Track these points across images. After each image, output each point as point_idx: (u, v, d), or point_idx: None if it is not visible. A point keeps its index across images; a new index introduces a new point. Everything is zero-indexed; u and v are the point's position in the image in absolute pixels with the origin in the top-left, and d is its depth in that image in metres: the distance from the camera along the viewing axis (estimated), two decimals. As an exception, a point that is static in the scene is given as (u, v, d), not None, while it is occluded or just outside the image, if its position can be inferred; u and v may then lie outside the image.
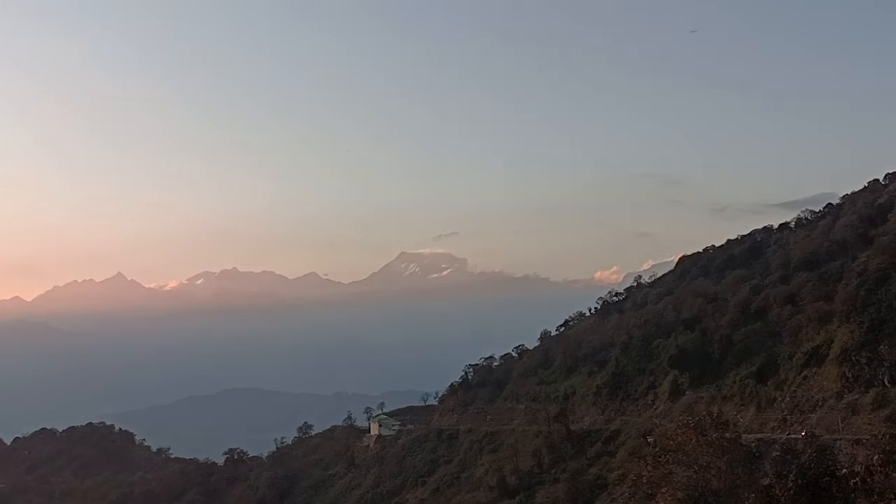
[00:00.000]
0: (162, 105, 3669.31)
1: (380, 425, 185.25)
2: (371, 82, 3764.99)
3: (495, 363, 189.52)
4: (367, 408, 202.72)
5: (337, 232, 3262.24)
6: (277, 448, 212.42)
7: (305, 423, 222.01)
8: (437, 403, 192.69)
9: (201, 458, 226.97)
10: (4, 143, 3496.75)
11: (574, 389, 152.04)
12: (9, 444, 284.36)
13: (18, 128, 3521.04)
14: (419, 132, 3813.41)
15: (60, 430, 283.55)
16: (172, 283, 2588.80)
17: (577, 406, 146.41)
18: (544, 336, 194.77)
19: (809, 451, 75.62)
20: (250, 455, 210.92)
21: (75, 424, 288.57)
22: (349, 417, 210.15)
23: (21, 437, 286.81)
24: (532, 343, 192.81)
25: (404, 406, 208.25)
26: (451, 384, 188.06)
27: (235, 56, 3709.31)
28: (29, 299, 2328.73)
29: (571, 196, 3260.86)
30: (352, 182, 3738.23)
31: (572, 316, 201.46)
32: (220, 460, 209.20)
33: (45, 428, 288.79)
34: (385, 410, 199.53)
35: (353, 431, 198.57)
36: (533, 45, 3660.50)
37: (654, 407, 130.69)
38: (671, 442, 64.04)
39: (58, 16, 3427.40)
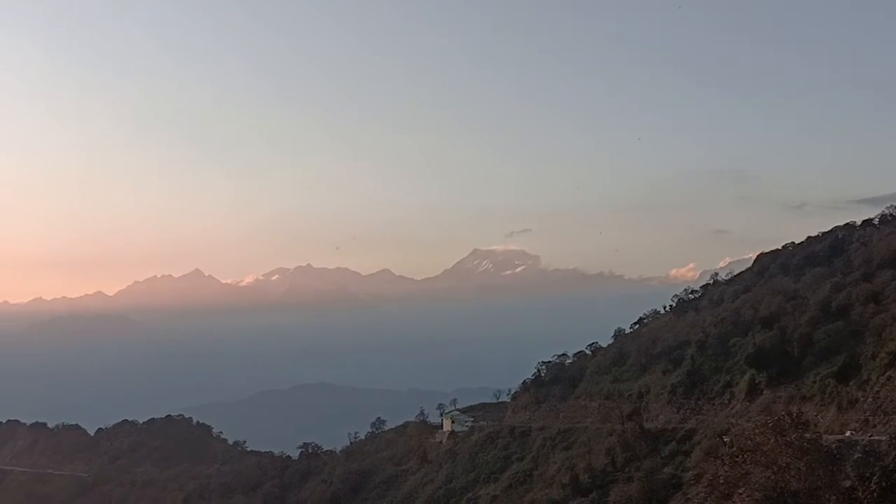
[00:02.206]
0: (243, 104, 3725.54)
1: (452, 422, 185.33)
2: (450, 82, 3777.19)
3: (568, 361, 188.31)
4: (440, 404, 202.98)
5: (410, 229, 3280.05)
6: (351, 443, 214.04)
7: (378, 418, 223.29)
8: (509, 400, 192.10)
9: (276, 451, 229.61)
10: (88, 141, 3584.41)
11: (648, 388, 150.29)
12: (92, 434, 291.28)
13: (102, 126, 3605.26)
14: (492, 130, 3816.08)
15: (141, 422, 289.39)
16: (248, 279, 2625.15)
17: (651, 404, 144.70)
18: (618, 334, 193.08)
19: (894, 453, 73.83)
20: (324, 449, 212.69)
21: (155, 416, 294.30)
22: (422, 413, 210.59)
23: (103, 428, 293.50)
24: (605, 341, 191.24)
25: (477, 403, 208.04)
26: (524, 381, 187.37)
27: (320, 56, 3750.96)
28: (110, 294, 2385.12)
29: (645, 193, 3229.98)
30: (425, 180, 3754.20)
31: (647, 313, 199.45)
32: (295, 454, 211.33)
33: (126, 420, 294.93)
34: (457, 407, 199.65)
35: (425, 427, 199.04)
36: (608, 43, 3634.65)
37: (731, 406, 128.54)
38: (749, 442, 62.99)
39: (149, 12, 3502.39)
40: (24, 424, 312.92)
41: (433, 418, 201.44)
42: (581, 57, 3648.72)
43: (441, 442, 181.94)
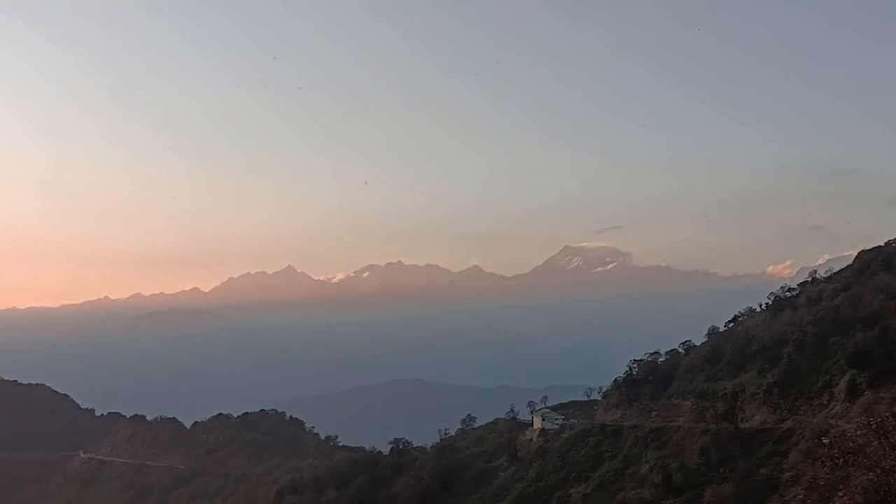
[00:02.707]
0: (336, 102, 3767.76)
1: (543, 419, 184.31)
2: (530, 79, 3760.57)
3: (661, 359, 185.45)
4: (530, 401, 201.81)
5: (501, 226, 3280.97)
6: (441, 439, 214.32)
7: (469, 415, 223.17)
8: (600, 398, 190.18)
9: (367, 446, 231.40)
10: (186, 143, 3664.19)
11: (743, 387, 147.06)
12: (188, 427, 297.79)
13: (199, 128, 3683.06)
14: (581, 126, 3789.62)
15: (235, 416, 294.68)
16: (340, 276, 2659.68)
17: (747, 404, 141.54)
18: (712, 332, 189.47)
19: None
20: (414, 445, 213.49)
21: (248, 411, 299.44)
22: (512, 411, 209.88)
23: (199, 421, 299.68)
24: (699, 339, 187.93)
25: (567, 401, 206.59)
26: (615, 379, 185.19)
27: (419, 54, 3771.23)
28: (206, 290, 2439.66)
29: (739, 188, 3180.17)
30: (515, 176, 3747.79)
31: (742, 311, 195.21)
32: (386, 449, 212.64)
33: (220, 413, 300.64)
34: (548, 404, 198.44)
35: (515, 425, 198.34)
36: (703, 39, 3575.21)
37: (830, 407, 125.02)
38: (850, 444, 61.11)
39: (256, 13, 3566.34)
40: (124, 416, 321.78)
41: (523, 416, 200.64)
42: (675, 51, 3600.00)
43: (531, 439, 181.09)
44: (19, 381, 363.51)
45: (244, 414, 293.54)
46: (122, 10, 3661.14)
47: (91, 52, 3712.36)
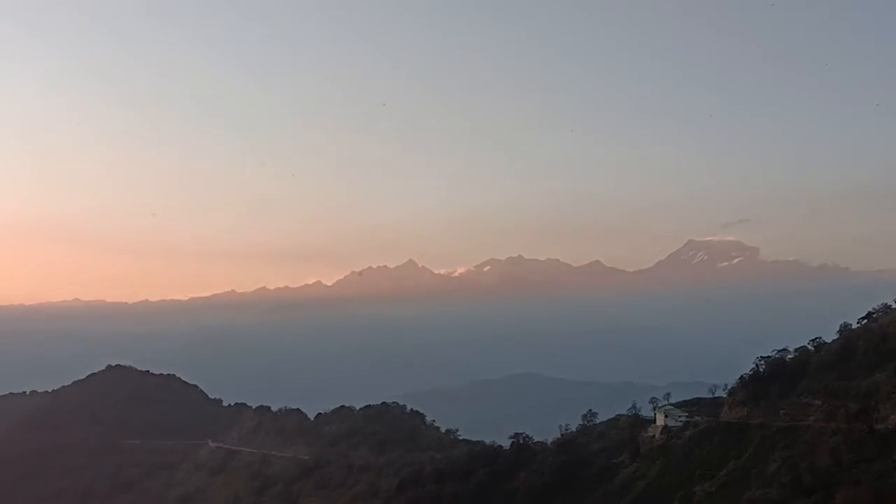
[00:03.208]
0: (455, 98, 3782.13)
1: (665, 416, 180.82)
2: (651, 73, 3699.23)
3: (789, 356, 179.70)
4: (653, 398, 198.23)
5: (623, 220, 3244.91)
6: (562, 434, 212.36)
7: (590, 410, 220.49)
8: (725, 396, 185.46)
9: (487, 440, 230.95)
10: (309, 140, 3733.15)
11: (877, 386, 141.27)
12: (312, 418, 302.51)
13: (326, 125, 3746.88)
14: (706, 118, 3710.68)
15: (357, 408, 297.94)
16: (460, 270, 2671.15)
17: (882, 404, 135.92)
18: (844, 328, 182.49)
19: None
20: (535, 440, 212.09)
21: (370, 403, 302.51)
22: (634, 407, 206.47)
23: (322, 412, 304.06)
24: (829, 336, 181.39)
25: (691, 398, 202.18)
26: (741, 377, 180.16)
27: (524, 54, 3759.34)
28: (329, 284, 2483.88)
29: (873, 180, 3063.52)
30: (638, 170, 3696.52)
31: (877, 307, 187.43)
32: (506, 444, 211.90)
33: (343, 405, 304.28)
34: (671, 401, 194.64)
35: (637, 421, 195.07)
36: (824, 24, 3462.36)
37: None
38: None
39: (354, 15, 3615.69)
40: (250, 407, 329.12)
41: (645, 412, 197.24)
42: (804, 39, 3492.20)
43: (654, 436, 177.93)
44: (151, 371, 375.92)
45: (366, 406, 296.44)
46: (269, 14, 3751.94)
47: (238, 51, 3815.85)
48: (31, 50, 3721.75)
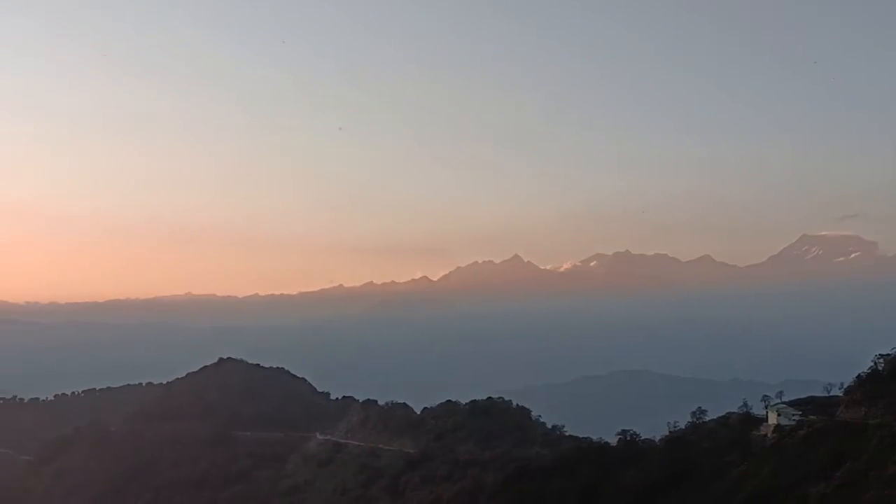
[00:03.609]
0: (561, 94, 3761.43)
1: (778, 414, 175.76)
2: (758, 62, 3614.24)
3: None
4: (765, 395, 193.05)
5: (733, 214, 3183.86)
6: (670, 431, 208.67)
7: (699, 407, 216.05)
8: (841, 395, 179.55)
9: (594, 437, 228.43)
10: (415, 134, 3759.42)
11: None
12: (418, 413, 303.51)
13: (430, 119, 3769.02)
14: (819, 109, 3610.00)
15: (463, 403, 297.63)
16: (566, 265, 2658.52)
17: None
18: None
19: None
20: (642, 437, 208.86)
21: (476, 398, 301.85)
22: (745, 405, 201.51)
23: (428, 407, 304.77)
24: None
25: (805, 396, 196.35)
26: (859, 375, 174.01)
27: (622, 48, 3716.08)
28: (435, 279, 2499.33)
29: None
30: (749, 163, 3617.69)
31: None
32: (613, 440, 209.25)
33: (449, 400, 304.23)
34: (784, 399, 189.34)
35: (749, 420, 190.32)
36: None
37: None
38: None
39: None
40: (357, 401, 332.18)
41: (757, 410, 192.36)
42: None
43: (766, 435, 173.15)
44: (261, 364, 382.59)
45: (472, 401, 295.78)
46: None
47: (340, 50, 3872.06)
48: (146, 54, 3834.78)
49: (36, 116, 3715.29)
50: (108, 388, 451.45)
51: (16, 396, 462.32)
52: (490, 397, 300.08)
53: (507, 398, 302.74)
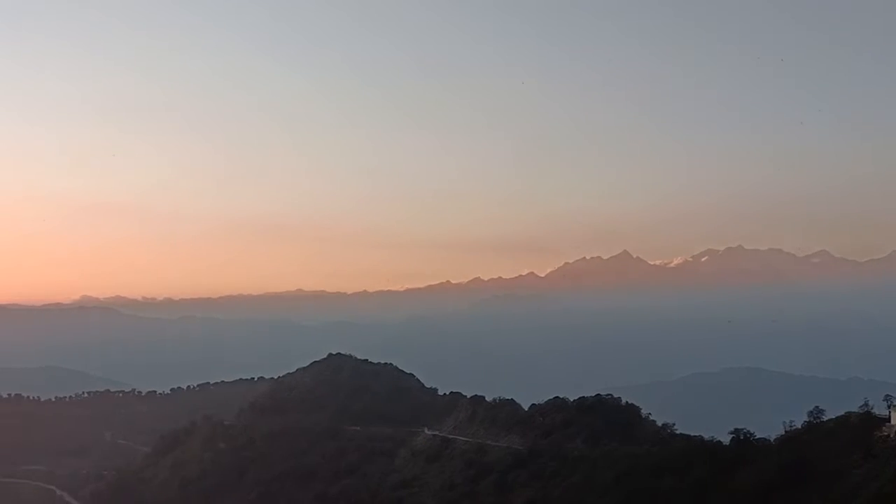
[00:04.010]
0: (668, 89, 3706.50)
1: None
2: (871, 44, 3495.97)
3: None
4: (887, 395, 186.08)
5: (852, 207, 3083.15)
6: (786, 431, 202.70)
7: (816, 407, 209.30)
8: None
9: (705, 435, 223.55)
10: (519, 131, 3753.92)
11: None
12: (525, 409, 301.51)
13: (537, 113, 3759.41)
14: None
15: (571, 400, 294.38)
16: (677, 261, 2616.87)
17: None
18: None
19: None
20: (756, 437, 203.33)
21: (584, 395, 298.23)
22: (865, 404, 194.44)
23: (536, 403, 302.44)
24: None
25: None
26: None
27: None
28: (542, 274, 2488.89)
29: None
30: (867, 156, 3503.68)
31: None
32: (725, 439, 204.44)
33: (557, 396, 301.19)
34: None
35: (870, 419, 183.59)
36: None
37: None
38: None
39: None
40: (465, 396, 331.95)
41: (879, 410, 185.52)
42: None
43: (889, 436, 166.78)
44: (369, 359, 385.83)
45: (580, 398, 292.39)
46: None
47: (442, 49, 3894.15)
48: (259, 49, 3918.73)
49: (149, 118, 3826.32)
50: (222, 382, 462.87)
51: (134, 389, 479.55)
52: (598, 394, 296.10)
53: (615, 395, 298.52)
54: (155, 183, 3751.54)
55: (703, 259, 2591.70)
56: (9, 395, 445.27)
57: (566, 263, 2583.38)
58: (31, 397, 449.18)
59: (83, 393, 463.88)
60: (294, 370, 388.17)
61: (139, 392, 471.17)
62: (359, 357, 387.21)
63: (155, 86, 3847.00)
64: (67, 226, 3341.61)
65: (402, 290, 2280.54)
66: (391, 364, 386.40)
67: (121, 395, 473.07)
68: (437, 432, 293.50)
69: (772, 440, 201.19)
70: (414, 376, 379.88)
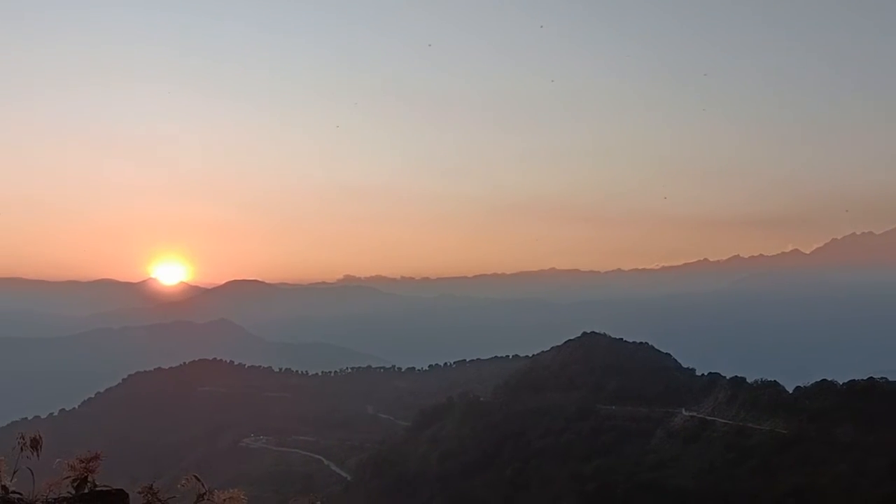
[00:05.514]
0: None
1: None
2: None
3: None
4: None
5: None
6: None
7: None
8: None
9: None
10: (776, 99, 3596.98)
11: None
12: (789, 392, 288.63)
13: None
14: None
15: (840, 383, 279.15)
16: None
17: None
18: None
19: None
20: None
21: (855, 378, 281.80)
22: None
23: (801, 386, 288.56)
24: None
25: None
26: None
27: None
28: (807, 252, 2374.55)
29: None
30: None
31: None
32: None
33: (824, 379, 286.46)
34: None
35: None
36: None
37: None
38: None
39: None
40: (724, 377, 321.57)
41: None
42: None
43: None
44: (624, 338, 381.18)
45: (850, 381, 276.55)
46: None
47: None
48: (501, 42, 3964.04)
49: (399, 103, 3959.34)
50: (478, 359, 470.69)
51: (394, 366, 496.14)
52: (871, 377, 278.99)
53: (891, 379, 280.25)
54: (409, 166, 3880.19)
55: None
56: (280, 369, 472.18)
57: (834, 240, 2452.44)
58: (299, 371, 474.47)
59: (347, 368, 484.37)
60: (548, 348, 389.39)
61: (399, 368, 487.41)
62: (613, 336, 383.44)
63: (405, 68, 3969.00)
64: (330, 210, 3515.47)
65: (657, 268, 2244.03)
66: (647, 343, 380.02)
67: (382, 370, 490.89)
68: (694, 413, 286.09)
69: None
70: (670, 356, 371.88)
